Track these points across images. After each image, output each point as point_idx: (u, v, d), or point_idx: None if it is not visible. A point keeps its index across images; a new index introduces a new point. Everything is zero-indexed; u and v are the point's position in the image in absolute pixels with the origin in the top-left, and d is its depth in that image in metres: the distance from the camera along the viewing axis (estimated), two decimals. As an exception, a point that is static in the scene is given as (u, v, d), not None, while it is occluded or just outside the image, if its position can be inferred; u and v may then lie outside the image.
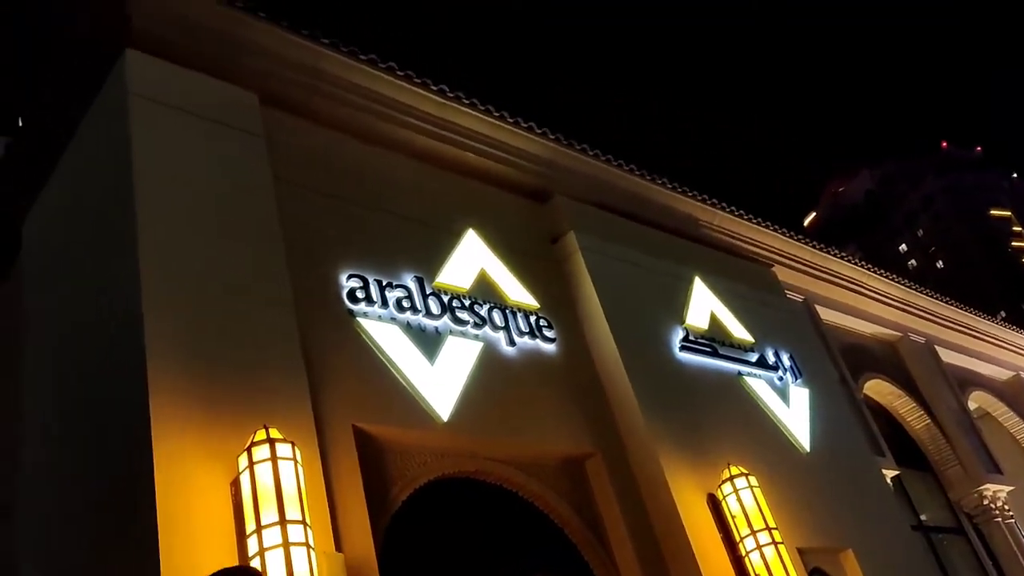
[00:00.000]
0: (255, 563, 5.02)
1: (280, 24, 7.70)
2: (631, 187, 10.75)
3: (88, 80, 7.20)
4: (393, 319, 7.47)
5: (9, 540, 7.09)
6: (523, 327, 8.52)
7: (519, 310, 8.65)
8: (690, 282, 10.53)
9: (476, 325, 8.09)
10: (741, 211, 12.14)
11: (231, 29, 7.48)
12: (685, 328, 9.95)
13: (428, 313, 7.76)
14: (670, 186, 11.15)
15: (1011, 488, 14.19)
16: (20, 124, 8.22)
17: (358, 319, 7.22)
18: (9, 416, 7.61)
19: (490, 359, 8.01)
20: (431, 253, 8.26)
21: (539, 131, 9.71)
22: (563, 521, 8.06)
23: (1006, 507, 13.96)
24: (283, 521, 5.08)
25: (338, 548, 5.70)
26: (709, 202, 11.60)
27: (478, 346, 7.94)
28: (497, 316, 8.35)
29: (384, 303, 7.48)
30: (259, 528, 5.08)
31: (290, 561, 4.98)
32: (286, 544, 5.02)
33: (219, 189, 6.83)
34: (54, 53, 7.52)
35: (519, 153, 9.64)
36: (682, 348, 9.71)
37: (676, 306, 10.17)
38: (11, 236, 8.25)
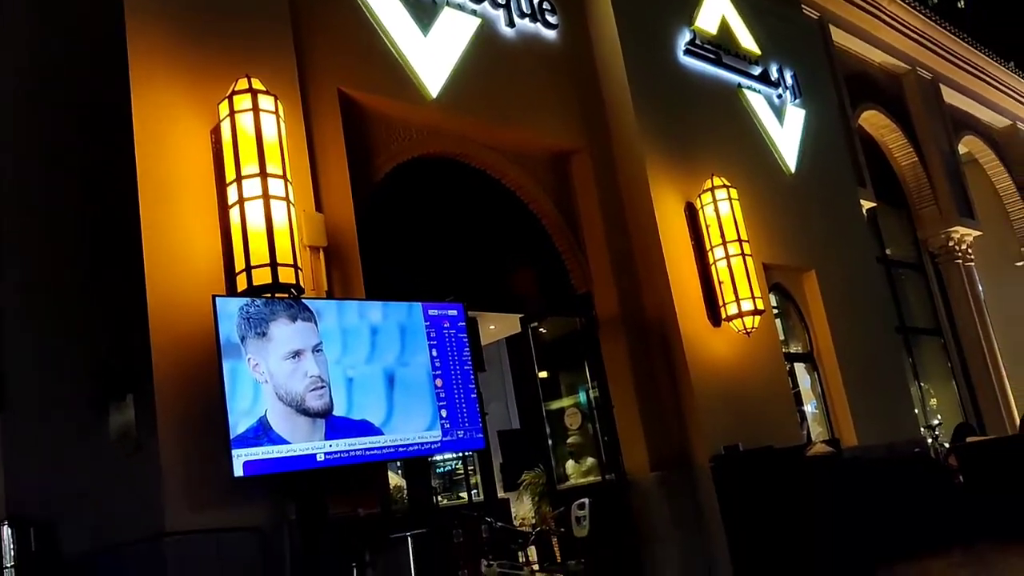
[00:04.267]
0: (234, 212, 5.03)
1: None
2: None
3: None
4: (387, -19, 6.98)
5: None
6: (525, 7, 8.05)
7: (523, -12, 8.13)
8: (706, -18, 9.90)
9: (475, -1, 7.63)
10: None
11: None
12: (693, 31, 9.48)
13: (425, -20, 7.26)
14: None
15: (978, 234, 14.53)
16: None
17: (349, -25, 6.73)
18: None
19: (487, 38, 7.63)
20: (434, -88, 7.57)
21: None
22: (541, 211, 8.16)
23: (969, 251, 14.37)
24: (264, 174, 5.03)
25: (318, 209, 5.73)
26: None
27: (475, 22, 7.52)
28: (499, -9, 7.85)
29: (378, -39, 6.95)
30: (239, 178, 5.03)
31: (270, 214, 4.99)
32: (266, 196, 5.00)
33: None
34: None
35: None
36: (686, 52, 9.32)
37: (687, 7, 9.62)
38: None
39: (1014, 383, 14.16)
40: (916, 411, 11.79)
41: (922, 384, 13.26)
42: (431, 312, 5.64)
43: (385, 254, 6.53)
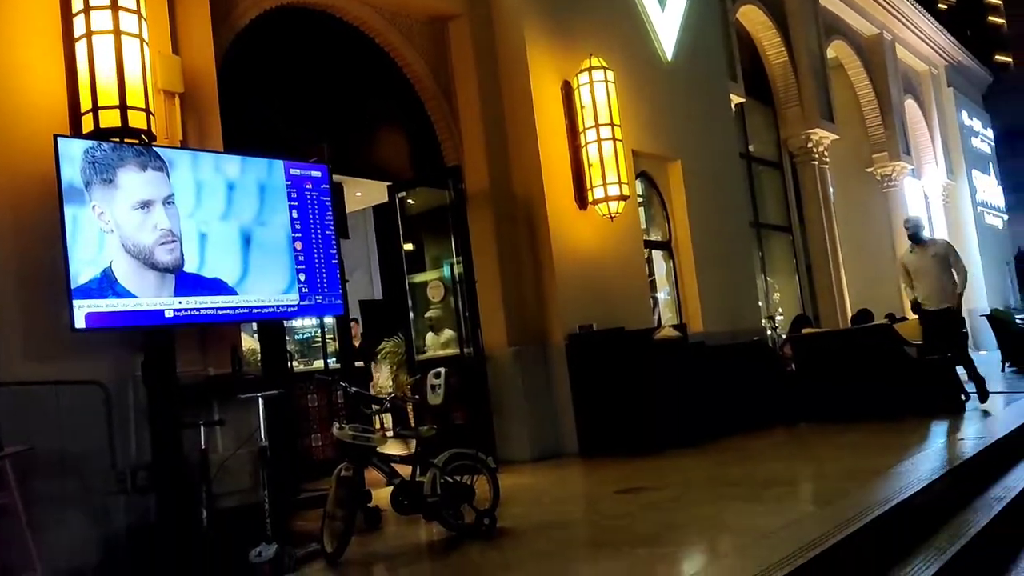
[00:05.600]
0: (80, 47, 4.63)
1: None
2: None
3: None
4: None
5: None
6: None
7: None
8: None
9: None
10: None
11: None
12: (583, -101, 9.18)
13: None
14: None
15: (836, 138, 15.14)
16: None
17: None
18: None
19: None
20: None
21: None
22: (415, 77, 7.94)
23: (825, 153, 14.99)
24: (115, 6, 4.61)
25: (175, 52, 5.34)
26: None
27: None
28: None
29: None
30: (87, 8, 4.60)
31: (121, 52, 4.62)
32: (117, 32, 4.61)
33: None
34: None
35: None
36: (573, -80, 9.03)
37: None
38: None
39: (850, 282, 15.13)
40: (760, 303, 12.45)
41: (768, 278, 13.98)
42: (293, 172, 5.44)
43: (246, 107, 6.22)
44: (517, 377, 7.78)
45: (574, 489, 6.51)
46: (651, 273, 10.07)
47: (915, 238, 9.22)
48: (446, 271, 8.39)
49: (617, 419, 7.66)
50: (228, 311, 4.94)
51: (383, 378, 10.42)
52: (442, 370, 5.25)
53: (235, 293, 4.96)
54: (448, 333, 8.43)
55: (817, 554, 3.34)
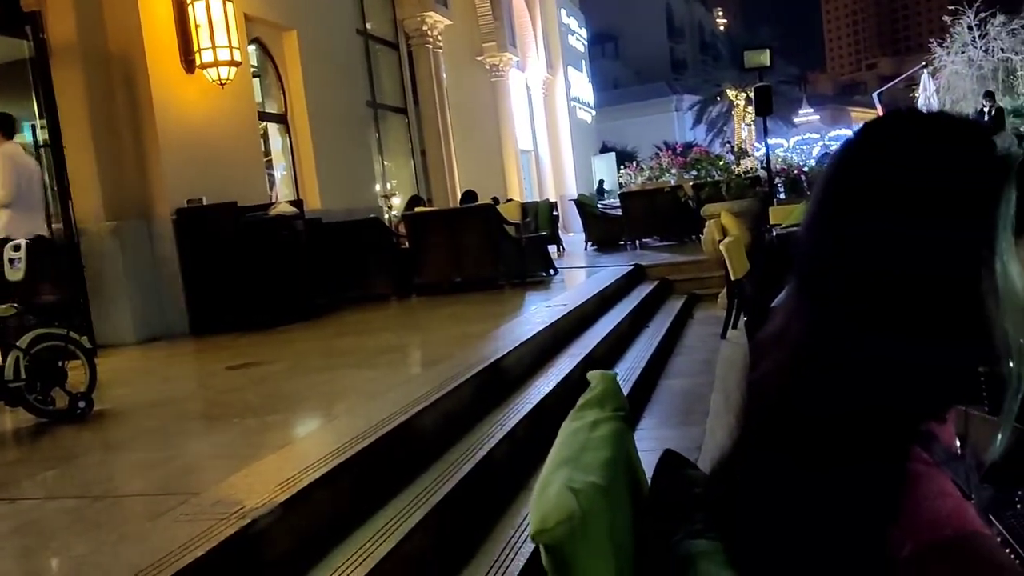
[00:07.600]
0: None
1: None
2: None
3: None
4: None
5: None
6: None
7: None
8: None
9: None
10: None
11: None
12: None
13: None
14: None
15: (449, 23, 15.53)
16: None
17: None
18: None
19: None
20: None
21: None
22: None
23: (439, 38, 15.35)
24: None
25: None
26: None
27: None
28: None
29: None
30: None
31: None
32: None
33: None
34: None
35: None
36: None
37: None
38: None
39: (460, 166, 15.90)
40: (377, 184, 12.65)
41: (386, 162, 14.20)
42: None
43: None
44: (117, 253, 7.18)
45: (184, 368, 6.26)
46: (267, 148, 9.73)
47: None
48: (27, 135, 7.37)
49: (231, 296, 7.43)
50: None
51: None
52: (21, 242, 4.67)
53: None
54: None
55: (423, 407, 3.56)
